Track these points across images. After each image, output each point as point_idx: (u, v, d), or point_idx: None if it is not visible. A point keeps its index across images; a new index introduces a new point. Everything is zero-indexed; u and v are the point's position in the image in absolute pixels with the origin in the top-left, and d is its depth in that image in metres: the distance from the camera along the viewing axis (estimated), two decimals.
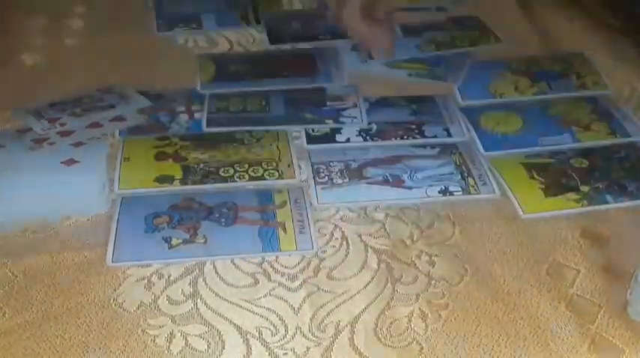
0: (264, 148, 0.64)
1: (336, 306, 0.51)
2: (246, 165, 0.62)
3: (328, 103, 0.70)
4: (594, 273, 0.54)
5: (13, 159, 0.61)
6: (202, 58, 0.77)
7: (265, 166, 0.62)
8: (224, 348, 0.48)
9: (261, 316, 0.50)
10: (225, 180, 0.61)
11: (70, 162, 0.61)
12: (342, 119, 0.68)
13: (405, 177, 0.61)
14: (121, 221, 0.57)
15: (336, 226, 0.57)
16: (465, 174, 0.62)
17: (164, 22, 0.84)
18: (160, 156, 0.63)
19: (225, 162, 0.63)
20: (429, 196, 0.60)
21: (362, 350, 0.48)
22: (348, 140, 0.66)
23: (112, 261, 0.54)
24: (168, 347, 0.48)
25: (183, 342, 0.48)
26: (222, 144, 0.65)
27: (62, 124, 0.66)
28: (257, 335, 0.49)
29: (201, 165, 0.62)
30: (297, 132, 0.67)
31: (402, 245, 0.56)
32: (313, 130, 0.67)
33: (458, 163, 0.63)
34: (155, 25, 0.83)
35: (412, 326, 0.49)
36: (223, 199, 0.59)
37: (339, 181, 0.61)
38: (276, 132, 0.67)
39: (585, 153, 0.65)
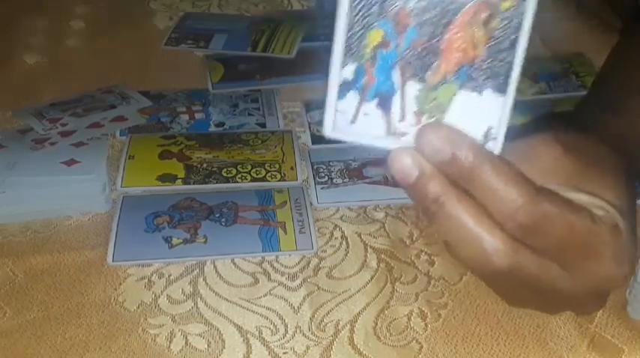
0: (269, 150, 0.65)
1: (336, 305, 0.51)
2: (249, 167, 0.63)
3: None
4: None
5: (15, 160, 0.61)
6: (210, 60, 0.78)
7: (268, 168, 0.62)
8: (224, 347, 0.48)
9: (261, 315, 0.50)
10: (227, 180, 0.61)
11: (71, 162, 0.61)
12: None
13: None
14: (122, 220, 0.57)
15: (335, 226, 0.57)
16: None
17: (177, 36, 0.81)
18: (165, 155, 0.64)
19: (228, 163, 0.63)
20: None
21: (361, 349, 0.48)
22: None
23: (113, 261, 0.54)
24: (169, 346, 0.48)
25: (184, 341, 0.48)
26: (227, 144, 0.65)
27: (63, 124, 0.66)
28: (257, 335, 0.49)
29: (205, 165, 0.62)
30: (300, 131, 0.68)
31: (401, 244, 0.56)
32: (318, 130, 0.67)
33: None
34: (166, 38, 0.81)
35: (412, 325, 0.50)
36: (224, 199, 0.59)
37: (339, 181, 0.61)
38: (282, 134, 0.67)
39: None
